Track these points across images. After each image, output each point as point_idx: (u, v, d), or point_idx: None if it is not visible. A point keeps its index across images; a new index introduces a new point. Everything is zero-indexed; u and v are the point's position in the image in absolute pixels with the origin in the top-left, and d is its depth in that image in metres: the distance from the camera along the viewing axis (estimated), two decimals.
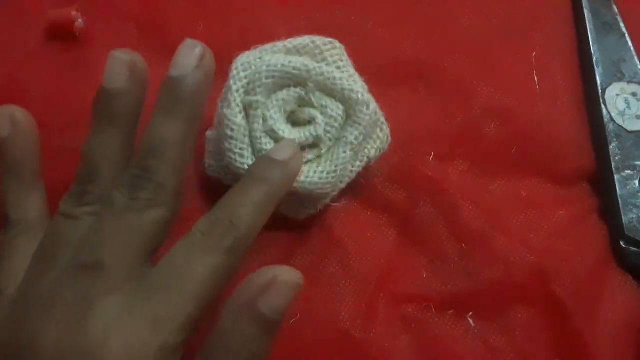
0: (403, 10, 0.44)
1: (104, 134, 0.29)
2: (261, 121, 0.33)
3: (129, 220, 0.26)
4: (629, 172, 0.38)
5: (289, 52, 0.34)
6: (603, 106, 0.40)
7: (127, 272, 0.26)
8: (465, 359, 0.34)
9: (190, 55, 0.28)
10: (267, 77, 0.32)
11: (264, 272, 0.26)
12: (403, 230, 0.37)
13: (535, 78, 0.41)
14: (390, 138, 0.36)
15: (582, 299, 0.35)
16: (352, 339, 0.34)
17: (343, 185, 0.35)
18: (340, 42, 0.35)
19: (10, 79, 0.40)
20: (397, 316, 0.35)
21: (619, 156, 0.39)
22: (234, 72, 0.33)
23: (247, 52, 0.34)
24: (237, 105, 0.32)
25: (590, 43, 0.42)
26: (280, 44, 0.34)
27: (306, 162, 0.33)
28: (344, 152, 0.33)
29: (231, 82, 0.33)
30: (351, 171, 0.34)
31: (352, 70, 0.35)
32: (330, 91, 0.33)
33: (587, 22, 0.43)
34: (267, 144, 0.33)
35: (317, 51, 0.34)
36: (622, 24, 0.43)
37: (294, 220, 0.36)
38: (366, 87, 0.35)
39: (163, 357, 0.25)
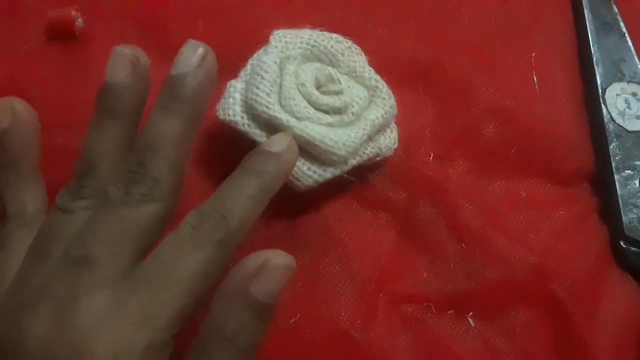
0: (403, 11, 0.43)
1: (104, 128, 0.28)
2: (293, 76, 0.34)
3: (122, 215, 0.26)
4: (629, 172, 0.38)
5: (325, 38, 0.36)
6: (603, 106, 0.40)
7: (118, 267, 0.25)
8: (465, 359, 0.34)
9: (192, 55, 0.28)
10: (306, 44, 0.35)
11: (254, 256, 0.26)
12: (403, 230, 0.37)
13: (535, 78, 0.41)
14: (397, 142, 0.37)
15: (582, 299, 0.35)
16: (351, 339, 0.33)
17: (354, 162, 0.35)
18: None
19: (10, 79, 0.40)
20: (397, 316, 0.35)
21: (619, 156, 0.39)
22: (275, 35, 0.35)
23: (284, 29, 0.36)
24: (277, 55, 0.34)
25: (590, 43, 0.42)
26: (317, 31, 0.37)
27: (327, 124, 0.34)
28: (364, 128, 0.34)
29: (271, 40, 0.35)
30: (363, 153, 0.35)
31: (373, 73, 0.37)
32: (358, 77, 0.36)
33: (587, 22, 0.43)
34: (296, 96, 0.34)
35: (350, 48, 0.37)
36: (622, 24, 0.43)
37: (293, 220, 0.36)
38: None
39: (151, 354, 0.24)
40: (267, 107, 0.33)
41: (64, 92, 0.39)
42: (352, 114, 0.35)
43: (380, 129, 0.36)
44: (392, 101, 0.36)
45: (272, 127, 0.34)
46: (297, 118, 0.33)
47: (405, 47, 0.42)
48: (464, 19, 0.44)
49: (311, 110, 0.34)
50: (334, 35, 0.37)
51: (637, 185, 0.38)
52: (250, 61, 0.35)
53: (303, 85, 0.34)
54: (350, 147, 0.34)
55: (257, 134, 0.34)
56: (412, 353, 0.34)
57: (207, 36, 0.40)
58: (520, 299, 0.35)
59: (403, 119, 0.39)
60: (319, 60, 0.36)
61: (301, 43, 0.35)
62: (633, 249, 0.37)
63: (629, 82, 0.41)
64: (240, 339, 0.25)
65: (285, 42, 0.35)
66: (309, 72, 0.35)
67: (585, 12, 0.43)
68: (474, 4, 0.44)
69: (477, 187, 0.38)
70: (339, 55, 0.36)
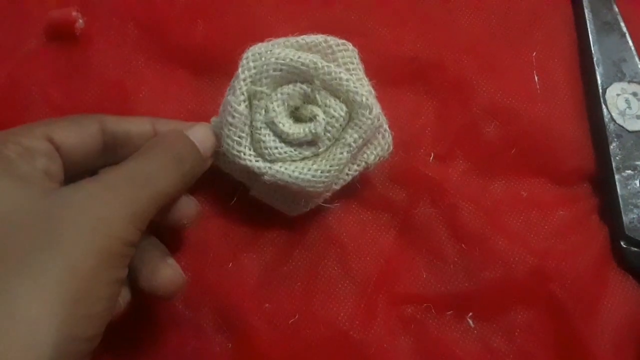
0: (403, 10, 0.43)
1: None
2: (263, 112, 0.33)
3: None
4: (629, 172, 0.38)
5: (300, 47, 0.34)
6: (603, 106, 0.40)
7: None
8: None
9: None
10: (274, 70, 0.32)
11: None
12: (403, 230, 0.37)
13: (536, 78, 0.41)
14: (392, 147, 0.36)
15: (582, 299, 0.35)
16: (351, 340, 0.34)
17: (337, 187, 0.35)
18: None
19: (10, 79, 0.40)
20: (396, 317, 0.35)
21: (620, 156, 0.39)
22: (244, 61, 0.33)
23: (259, 44, 0.33)
24: (242, 93, 0.33)
25: (591, 43, 0.42)
26: (293, 39, 0.34)
27: (302, 159, 0.33)
28: (341, 153, 0.33)
29: (239, 70, 0.33)
30: (347, 174, 0.34)
31: (361, 74, 0.35)
32: (335, 91, 0.33)
33: (587, 22, 0.43)
34: (266, 135, 0.33)
35: (328, 51, 0.34)
36: (622, 24, 0.42)
37: (293, 220, 0.36)
38: (373, 92, 0.34)
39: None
40: (238, 157, 0.33)
41: (64, 92, 0.39)
42: (329, 139, 0.33)
43: (364, 144, 0.34)
44: (376, 111, 0.33)
45: (244, 170, 0.34)
46: (269, 161, 0.33)
47: (406, 47, 0.42)
48: (465, 19, 0.44)
49: (283, 149, 0.33)
50: (312, 38, 0.34)
51: (638, 185, 0.38)
52: (224, 98, 0.34)
53: (273, 123, 0.33)
54: (329, 177, 0.33)
55: (238, 175, 0.35)
56: (411, 354, 0.34)
57: (206, 36, 0.41)
58: (520, 300, 0.35)
59: (403, 119, 0.39)
60: (291, 80, 0.33)
61: (275, 64, 0.32)
62: (633, 249, 0.37)
63: (629, 82, 0.41)
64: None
65: (255, 69, 0.33)
66: (280, 101, 0.33)
67: (586, 12, 0.43)
68: (475, 4, 0.44)
69: (477, 187, 0.38)
70: (312, 70, 0.33)
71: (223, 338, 0.34)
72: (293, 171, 0.32)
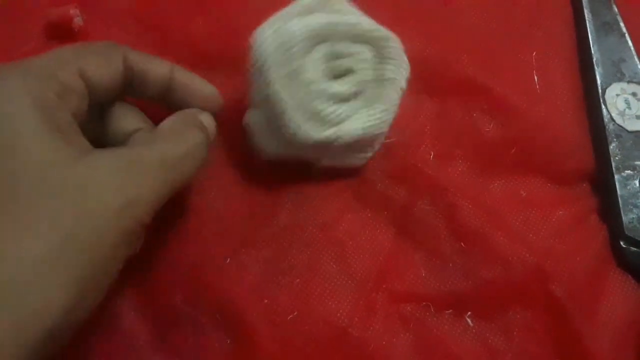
0: (403, 10, 0.44)
1: None
2: (305, 86, 0.33)
3: None
4: (629, 172, 0.38)
5: (300, 14, 0.34)
6: (603, 106, 0.40)
7: None
8: (464, 359, 0.34)
9: None
10: (300, 41, 0.33)
11: None
12: (402, 228, 0.37)
13: (535, 78, 0.41)
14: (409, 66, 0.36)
15: (581, 299, 0.35)
16: (349, 337, 0.33)
17: (390, 121, 0.35)
18: None
19: None
20: (395, 315, 0.35)
21: (619, 156, 0.39)
22: (260, 49, 0.32)
23: (263, 26, 0.33)
24: (281, 78, 0.32)
25: (590, 43, 0.42)
26: (289, 9, 0.34)
27: (359, 109, 0.34)
28: (389, 88, 0.34)
29: (260, 59, 0.32)
30: (394, 105, 0.35)
31: (357, 11, 0.35)
32: (355, 37, 0.34)
33: (587, 22, 0.43)
34: (321, 104, 0.33)
35: (327, 4, 0.35)
36: (622, 24, 0.43)
37: (292, 217, 0.36)
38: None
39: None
40: (308, 136, 0.33)
41: None
42: (372, 82, 0.34)
43: (397, 72, 0.35)
44: (394, 37, 0.34)
45: (317, 144, 0.33)
46: (335, 125, 0.33)
47: (406, 46, 0.41)
48: (465, 18, 0.44)
49: (340, 109, 0.33)
50: (306, 0, 0.34)
51: (637, 185, 0.38)
52: (253, 84, 0.34)
53: (320, 91, 0.33)
54: (390, 113, 0.34)
55: (303, 154, 0.35)
56: (410, 351, 0.34)
57: (206, 35, 0.41)
58: (519, 299, 0.35)
59: (403, 118, 0.38)
60: (312, 45, 0.33)
61: (300, 36, 0.32)
62: (633, 249, 0.37)
63: (629, 82, 0.41)
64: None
65: (275, 48, 0.32)
66: (315, 69, 0.33)
67: (586, 12, 0.43)
68: (475, 4, 0.44)
69: (476, 187, 0.38)
70: (332, 24, 0.33)
71: (222, 334, 0.33)
72: (360, 125, 0.33)
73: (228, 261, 0.35)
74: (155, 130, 0.31)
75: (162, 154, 0.28)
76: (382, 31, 0.34)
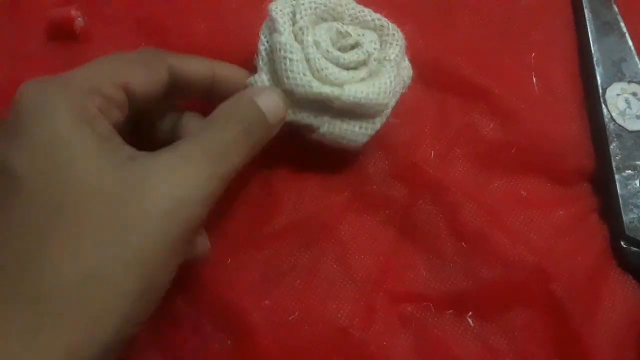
0: (403, 10, 0.43)
1: None
2: (314, 46, 0.33)
3: None
4: (629, 172, 0.38)
5: None
6: (603, 106, 0.40)
7: None
8: (464, 359, 0.34)
9: None
10: (311, 8, 0.34)
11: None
12: (402, 228, 0.37)
13: (535, 78, 0.41)
14: (412, 70, 0.37)
15: (581, 299, 0.35)
16: (350, 338, 0.33)
17: (392, 103, 0.36)
18: None
19: (10, 79, 0.40)
20: (395, 315, 0.35)
21: (620, 156, 0.39)
22: (277, 6, 0.34)
23: None
24: (289, 33, 0.33)
25: (591, 43, 0.42)
26: None
27: (361, 80, 0.34)
28: (391, 68, 0.34)
29: (277, 14, 0.33)
30: (396, 91, 0.35)
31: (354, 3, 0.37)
32: (362, 23, 0.35)
33: (587, 22, 0.43)
34: (327, 65, 0.33)
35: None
36: (622, 24, 0.42)
37: (292, 217, 0.36)
38: None
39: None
40: (309, 86, 0.32)
41: None
42: (375, 60, 0.34)
43: (402, 59, 0.36)
44: (400, 33, 0.36)
45: (316, 104, 0.33)
46: (337, 85, 0.33)
47: (406, 47, 0.42)
48: (464, 19, 0.44)
49: (344, 72, 0.34)
50: None
51: (638, 185, 0.38)
52: (260, 46, 0.34)
53: (327, 52, 0.33)
54: (390, 92, 0.34)
55: (305, 117, 0.34)
56: (410, 352, 0.34)
57: (207, 35, 0.41)
58: (519, 299, 0.35)
59: (404, 118, 0.39)
60: (324, 19, 0.35)
61: (306, 6, 0.34)
62: (633, 249, 0.37)
63: (629, 82, 0.41)
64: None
65: (289, 13, 0.34)
66: (324, 36, 0.34)
67: (586, 12, 0.43)
68: (474, 5, 0.44)
69: (477, 186, 0.38)
70: (338, 7, 0.35)
71: (222, 334, 0.34)
72: (362, 91, 0.33)
73: (229, 261, 0.35)
74: (203, 120, 0.30)
75: (204, 144, 0.27)
76: (390, 23, 0.36)
